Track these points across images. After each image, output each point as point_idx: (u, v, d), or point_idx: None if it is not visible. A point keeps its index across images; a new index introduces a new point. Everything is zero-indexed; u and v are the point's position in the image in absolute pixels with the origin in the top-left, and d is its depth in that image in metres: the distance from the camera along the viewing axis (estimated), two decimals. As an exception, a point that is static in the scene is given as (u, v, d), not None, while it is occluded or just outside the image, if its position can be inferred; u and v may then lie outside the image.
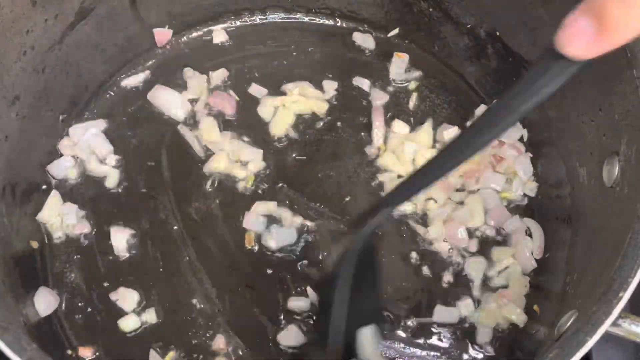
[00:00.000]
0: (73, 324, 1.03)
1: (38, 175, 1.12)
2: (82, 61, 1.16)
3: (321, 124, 1.20)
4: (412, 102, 1.22)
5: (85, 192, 1.13)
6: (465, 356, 1.03)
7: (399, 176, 1.14)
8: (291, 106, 1.19)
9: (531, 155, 1.15)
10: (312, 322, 1.02)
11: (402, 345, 1.03)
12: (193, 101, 1.20)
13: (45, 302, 1.02)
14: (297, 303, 1.04)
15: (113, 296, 1.04)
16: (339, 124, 1.20)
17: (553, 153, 1.11)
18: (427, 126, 1.18)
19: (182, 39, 1.28)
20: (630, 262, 0.77)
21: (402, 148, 1.15)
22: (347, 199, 1.13)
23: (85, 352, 1.01)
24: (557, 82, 0.66)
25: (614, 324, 0.75)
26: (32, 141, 1.10)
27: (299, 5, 1.30)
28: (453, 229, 1.09)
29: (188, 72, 1.22)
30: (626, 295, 0.75)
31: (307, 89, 1.21)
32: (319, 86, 1.22)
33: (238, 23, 1.29)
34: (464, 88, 1.24)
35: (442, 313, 1.05)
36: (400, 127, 1.18)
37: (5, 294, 0.92)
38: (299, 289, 1.06)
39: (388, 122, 1.19)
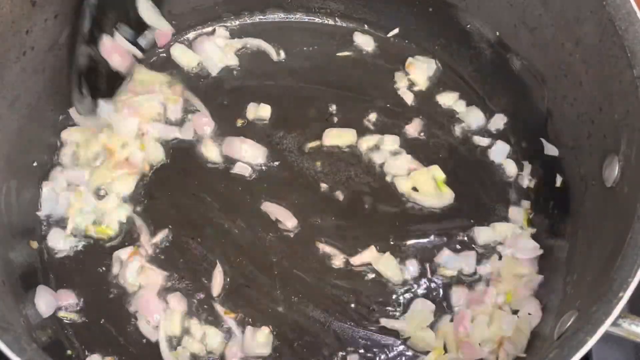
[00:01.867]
0: (73, 324, 1.03)
1: (38, 175, 1.12)
2: (82, 61, 1.16)
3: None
4: (409, 100, 1.22)
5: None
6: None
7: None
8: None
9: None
10: None
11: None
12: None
13: (45, 302, 1.01)
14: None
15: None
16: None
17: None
18: None
19: (182, 39, 1.27)
20: (630, 262, 0.77)
21: None
22: (341, 198, 1.13)
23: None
24: None
25: (614, 324, 0.75)
26: (32, 141, 1.10)
27: (299, 5, 1.30)
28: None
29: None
30: (626, 295, 0.75)
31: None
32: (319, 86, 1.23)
33: (238, 23, 1.30)
34: (463, 88, 1.24)
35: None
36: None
37: (5, 294, 0.92)
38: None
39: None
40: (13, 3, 0.97)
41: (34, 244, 1.07)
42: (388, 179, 1.15)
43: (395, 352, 1.02)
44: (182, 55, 1.24)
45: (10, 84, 1.01)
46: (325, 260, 1.08)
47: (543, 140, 1.12)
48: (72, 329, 1.03)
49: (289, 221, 1.10)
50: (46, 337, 0.99)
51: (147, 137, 1.15)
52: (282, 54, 1.26)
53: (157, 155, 1.14)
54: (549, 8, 1.04)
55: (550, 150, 1.11)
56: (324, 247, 1.08)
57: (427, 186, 1.13)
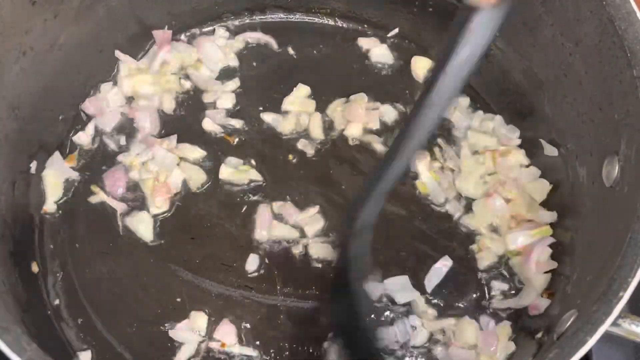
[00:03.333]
0: (74, 324, 1.03)
1: (38, 175, 1.12)
2: (82, 61, 1.16)
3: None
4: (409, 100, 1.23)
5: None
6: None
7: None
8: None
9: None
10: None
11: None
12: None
13: None
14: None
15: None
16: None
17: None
18: None
19: (182, 39, 1.27)
20: (630, 262, 0.77)
21: None
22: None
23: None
24: (486, 35, 0.69)
25: (614, 324, 0.75)
26: (32, 141, 1.10)
27: (299, 5, 1.30)
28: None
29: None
30: (626, 295, 0.75)
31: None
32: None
33: (238, 23, 1.29)
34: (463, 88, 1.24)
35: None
36: None
37: (5, 295, 0.92)
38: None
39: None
40: (13, 3, 0.97)
41: (35, 267, 1.07)
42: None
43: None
44: (182, 55, 1.23)
45: (10, 84, 1.01)
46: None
47: (542, 140, 1.12)
48: (73, 329, 1.03)
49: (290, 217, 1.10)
50: (46, 336, 0.99)
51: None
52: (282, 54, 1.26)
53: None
54: (549, 8, 1.04)
55: (550, 150, 1.11)
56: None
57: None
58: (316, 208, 1.11)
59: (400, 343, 1.02)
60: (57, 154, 1.14)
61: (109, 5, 1.15)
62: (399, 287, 1.05)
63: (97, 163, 1.15)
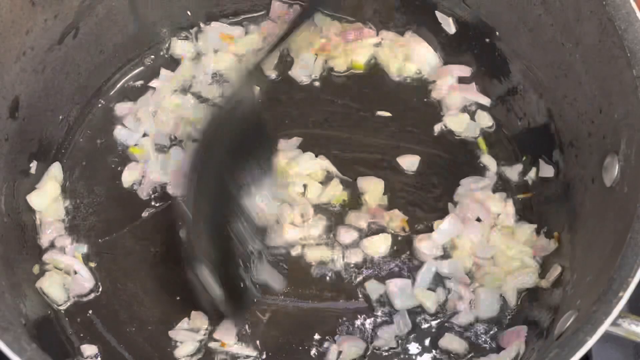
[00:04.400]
0: (74, 324, 1.03)
1: (37, 176, 1.12)
2: (82, 61, 1.16)
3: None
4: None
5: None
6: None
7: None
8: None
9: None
10: None
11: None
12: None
13: None
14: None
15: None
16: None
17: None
18: None
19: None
20: (630, 262, 0.77)
21: None
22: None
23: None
24: None
25: (614, 324, 0.75)
26: (32, 141, 1.10)
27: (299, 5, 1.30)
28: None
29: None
30: (626, 295, 0.75)
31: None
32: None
33: (237, 23, 1.29)
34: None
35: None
36: None
37: (5, 293, 0.92)
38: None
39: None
40: (13, 3, 0.97)
41: (36, 268, 1.07)
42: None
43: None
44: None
45: (10, 84, 1.01)
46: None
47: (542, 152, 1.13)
48: (73, 328, 1.03)
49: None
50: (46, 337, 0.99)
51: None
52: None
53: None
54: (549, 8, 1.04)
55: (553, 155, 1.12)
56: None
57: None
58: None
59: (401, 336, 1.03)
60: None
61: (109, 5, 1.15)
62: (398, 290, 1.05)
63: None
